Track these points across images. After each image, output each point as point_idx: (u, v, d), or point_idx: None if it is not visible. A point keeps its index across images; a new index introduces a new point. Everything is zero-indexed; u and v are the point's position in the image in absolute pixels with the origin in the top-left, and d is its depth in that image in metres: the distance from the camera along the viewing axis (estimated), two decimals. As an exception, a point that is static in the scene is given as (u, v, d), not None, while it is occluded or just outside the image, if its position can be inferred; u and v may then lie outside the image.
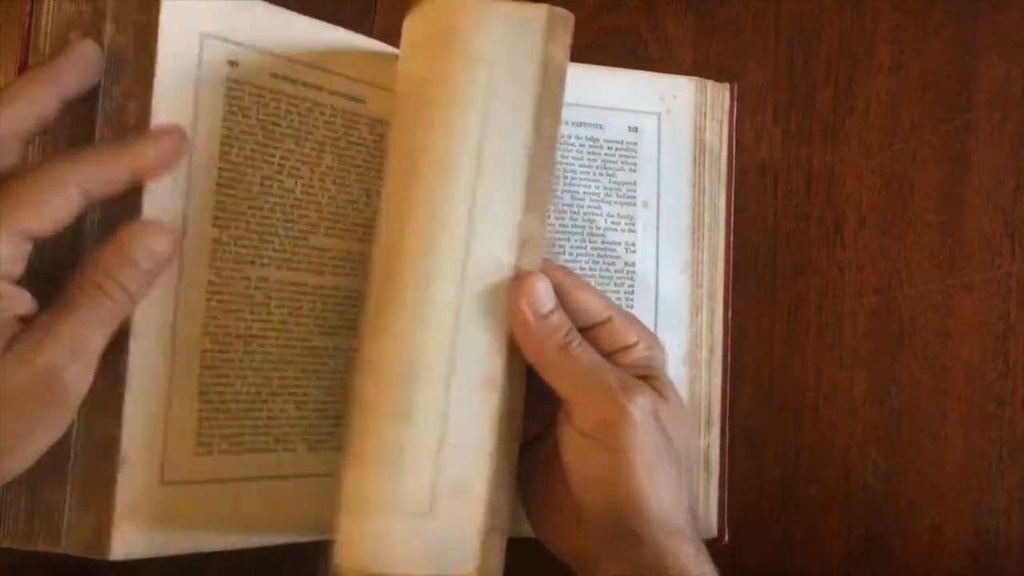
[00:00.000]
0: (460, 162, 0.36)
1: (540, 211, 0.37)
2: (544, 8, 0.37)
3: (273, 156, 0.38)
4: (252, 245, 0.38)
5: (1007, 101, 0.49)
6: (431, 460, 0.35)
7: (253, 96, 0.38)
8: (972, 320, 0.48)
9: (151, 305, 0.35)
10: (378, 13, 0.48)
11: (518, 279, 0.36)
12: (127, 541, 0.34)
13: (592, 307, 0.37)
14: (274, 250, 0.39)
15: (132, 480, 0.34)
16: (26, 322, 0.32)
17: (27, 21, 0.35)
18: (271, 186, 0.38)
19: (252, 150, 0.38)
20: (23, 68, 0.35)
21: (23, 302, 0.31)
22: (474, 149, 0.36)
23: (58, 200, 0.31)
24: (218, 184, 0.37)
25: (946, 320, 0.49)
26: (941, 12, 0.49)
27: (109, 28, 0.35)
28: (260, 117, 0.38)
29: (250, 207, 0.38)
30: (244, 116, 0.37)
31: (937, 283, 0.49)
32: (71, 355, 0.31)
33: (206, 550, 0.37)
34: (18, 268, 0.31)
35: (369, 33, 0.41)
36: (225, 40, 0.37)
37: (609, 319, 0.37)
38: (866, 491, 0.48)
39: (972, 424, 0.48)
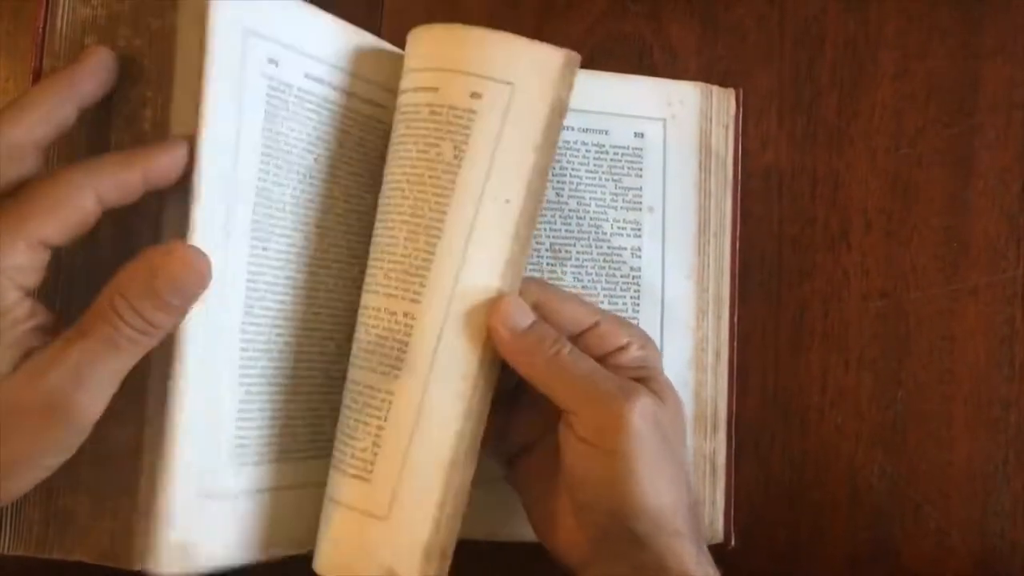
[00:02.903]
0: (465, 192, 0.36)
1: (527, 237, 0.37)
2: (562, 52, 0.37)
3: (307, 159, 0.38)
4: (289, 251, 0.38)
5: (1012, 105, 0.49)
6: (396, 468, 0.36)
7: (290, 96, 0.37)
8: (977, 324, 0.48)
9: (192, 316, 0.33)
10: (385, 15, 0.49)
11: (493, 302, 0.36)
12: (174, 556, 0.33)
13: (576, 315, 0.38)
14: (310, 255, 0.39)
15: (175, 493, 0.33)
16: (46, 337, 0.31)
17: (42, 25, 0.35)
18: (306, 192, 0.38)
19: (290, 151, 0.37)
20: (38, 72, 0.35)
21: (38, 315, 0.31)
22: (481, 180, 0.36)
23: (75, 208, 0.31)
24: (258, 187, 0.36)
25: (951, 324, 0.49)
26: (945, 17, 0.50)
27: (125, 32, 0.35)
28: (297, 118, 0.38)
29: (290, 213, 0.38)
30: (282, 116, 0.37)
31: (942, 287, 0.49)
32: (80, 380, 0.30)
33: (247, 563, 0.37)
34: (35, 278, 0.31)
35: (378, 33, 0.41)
36: (267, 38, 0.36)
37: (596, 324, 0.38)
38: (872, 494, 0.48)
39: (978, 428, 0.48)
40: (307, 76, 0.38)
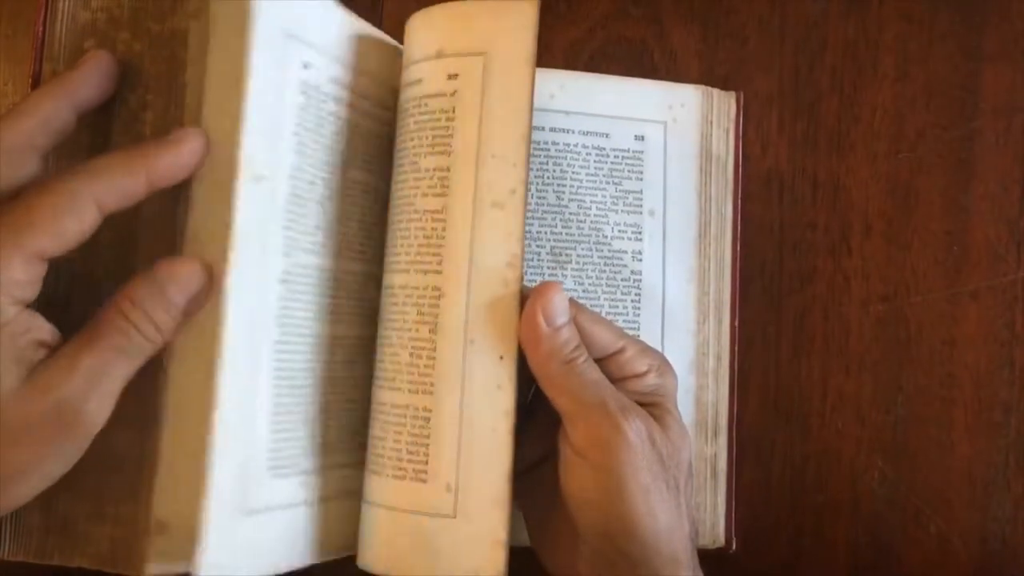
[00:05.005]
0: (462, 171, 0.36)
1: (524, 216, 0.37)
2: (534, 2, 0.37)
3: (334, 164, 0.38)
4: (319, 257, 0.37)
5: (1013, 109, 0.49)
6: (452, 464, 0.35)
7: (319, 100, 0.37)
8: (978, 328, 0.48)
9: (240, 325, 0.33)
10: (384, 13, 0.48)
11: (538, 287, 0.36)
12: (212, 567, 0.33)
13: (604, 339, 0.37)
14: (337, 261, 0.38)
15: (214, 507, 0.33)
16: (47, 347, 0.31)
17: (41, 29, 0.35)
18: (332, 199, 0.38)
19: (317, 155, 0.37)
20: (37, 76, 0.35)
21: (38, 329, 0.31)
22: (472, 159, 0.36)
23: (74, 218, 0.30)
24: (290, 194, 0.36)
25: (952, 328, 0.49)
26: (946, 21, 0.50)
27: (124, 36, 0.35)
28: (324, 122, 0.37)
29: (318, 219, 0.37)
30: (312, 120, 0.36)
31: (943, 291, 0.49)
32: (91, 388, 0.30)
33: (282, 571, 0.36)
34: (33, 291, 0.31)
35: (379, 25, 0.41)
36: (301, 41, 0.36)
37: (621, 349, 0.37)
38: (873, 499, 0.48)
39: (978, 432, 0.48)
40: (332, 80, 0.37)
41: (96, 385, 0.31)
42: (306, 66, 0.36)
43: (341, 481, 0.39)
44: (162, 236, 0.34)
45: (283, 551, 0.36)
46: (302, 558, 0.37)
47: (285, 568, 0.36)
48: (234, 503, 0.34)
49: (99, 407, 0.31)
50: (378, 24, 0.47)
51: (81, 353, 0.31)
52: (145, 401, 0.33)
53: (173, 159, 0.32)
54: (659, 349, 0.45)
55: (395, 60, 0.40)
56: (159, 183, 0.32)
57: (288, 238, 0.36)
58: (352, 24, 0.39)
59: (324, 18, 0.37)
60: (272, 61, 0.34)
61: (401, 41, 0.40)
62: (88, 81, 0.33)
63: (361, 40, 0.39)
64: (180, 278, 0.32)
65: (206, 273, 0.32)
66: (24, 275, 0.30)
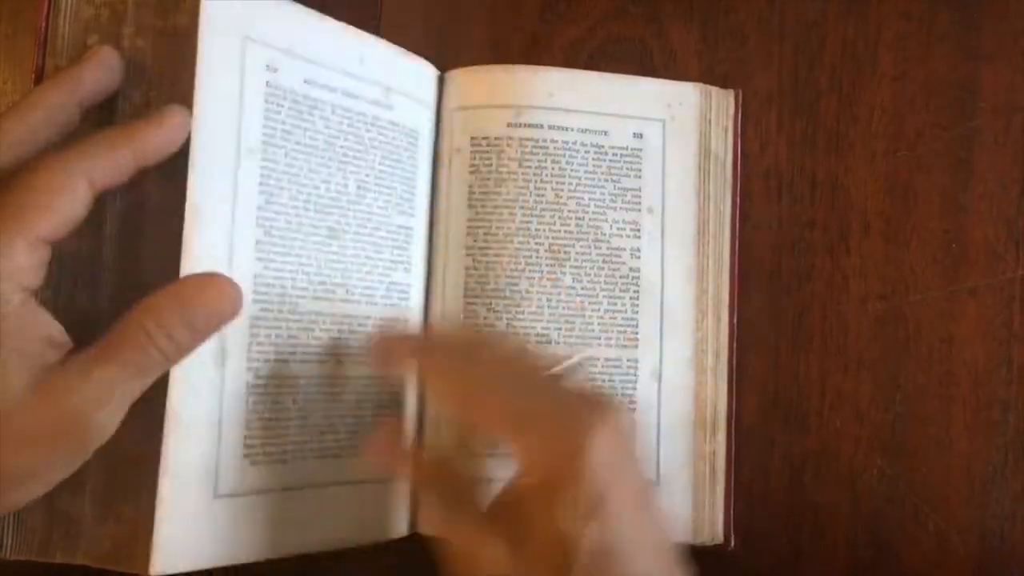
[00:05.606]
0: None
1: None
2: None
3: (309, 164, 0.38)
4: (293, 253, 0.38)
5: (1012, 108, 0.49)
6: None
7: (289, 102, 0.37)
8: (977, 326, 0.49)
9: None
10: (384, 10, 0.49)
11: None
12: (173, 556, 0.33)
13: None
14: (315, 257, 0.39)
15: (183, 495, 0.33)
16: (57, 347, 0.31)
17: (44, 25, 0.35)
18: (309, 195, 0.38)
19: (290, 157, 0.37)
20: (40, 72, 0.35)
21: (47, 324, 0.31)
22: None
23: (68, 198, 0.30)
24: (260, 193, 0.36)
25: (951, 326, 0.49)
26: (945, 20, 0.50)
27: (128, 32, 0.35)
28: (296, 123, 0.38)
29: (293, 216, 0.38)
30: (281, 122, 0.37)
31: (942, 289, 0.49)
32: (103, 401, 0.30)
33: (249, 560, 0.36)
34: (38, 277, 0.30)
35: (378, 25, 0.41)
36: (265, 44, 0.36)
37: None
38: (871, 497, 0.48)
39: (977, 429, 0.48)
40: (306, 81, 0.38)
41: (108, 399, 0.30)
42: (272, 69, 0.36)
43: (322, 472, 0.39)
44: (167, 231, 0.34)
45: (251, 540, 0.36)
46: (273, 550, 0.37)
47: (251, 558, 0.37)
48: (202, 488, 0.34)
49: (108, 420, 0.30)
50: (377, 24, 0.47)
51: (96, 365, 0.30)
52: (148, 400, 0.33)
53: (158, 134, 0.32)
54: (658, 346, 0.45)
55: (389, 62, 0.41)
56: (145, 158, 0.32)
57: (260, 244, 0.36)
58: (330, 28, 0.39)
59: (290, 20, 0.37)
60: (228, 63, 0.35)
61: (397, 41, 0.41)
62: (92, 76, 0.33)
63: (348, 44, 0.40)
64: (206, 302, 0.31)
65: (236, 294, 0.32)
66: (27, 260, 0.30)
